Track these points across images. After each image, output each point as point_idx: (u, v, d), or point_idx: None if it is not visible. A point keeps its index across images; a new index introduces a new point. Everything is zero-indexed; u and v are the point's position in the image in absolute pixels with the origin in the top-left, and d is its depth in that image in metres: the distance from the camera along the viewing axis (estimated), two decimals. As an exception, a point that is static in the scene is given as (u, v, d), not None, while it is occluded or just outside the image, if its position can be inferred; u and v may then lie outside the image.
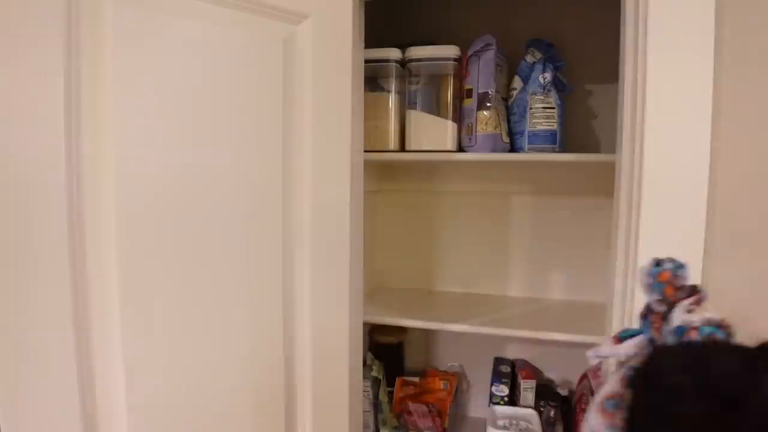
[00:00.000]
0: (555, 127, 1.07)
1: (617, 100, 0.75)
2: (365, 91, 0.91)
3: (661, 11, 0.66)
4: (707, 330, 0.37)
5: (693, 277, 0.68)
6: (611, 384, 0.39)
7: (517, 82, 1.10)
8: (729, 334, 0.37)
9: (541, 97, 1.07)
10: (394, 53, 1.09)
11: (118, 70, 0.58)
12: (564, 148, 1.09)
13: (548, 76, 1.06)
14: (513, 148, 1.11)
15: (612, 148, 0.78)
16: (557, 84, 1.08)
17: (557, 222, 1.27)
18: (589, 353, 0.48)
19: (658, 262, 0.43)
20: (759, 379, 0.32)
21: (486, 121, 1.06)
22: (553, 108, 1.07)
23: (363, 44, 0.89)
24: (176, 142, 0.64)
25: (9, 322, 0.52)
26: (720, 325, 0.37)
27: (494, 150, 1.06)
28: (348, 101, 0.82)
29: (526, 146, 1.08)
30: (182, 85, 0.64)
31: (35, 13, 0.51)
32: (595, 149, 1.20)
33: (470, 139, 1.07)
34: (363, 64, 0.89)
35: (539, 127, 1.07)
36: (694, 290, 0.42)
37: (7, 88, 0.50)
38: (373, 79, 1.09)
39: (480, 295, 1.31)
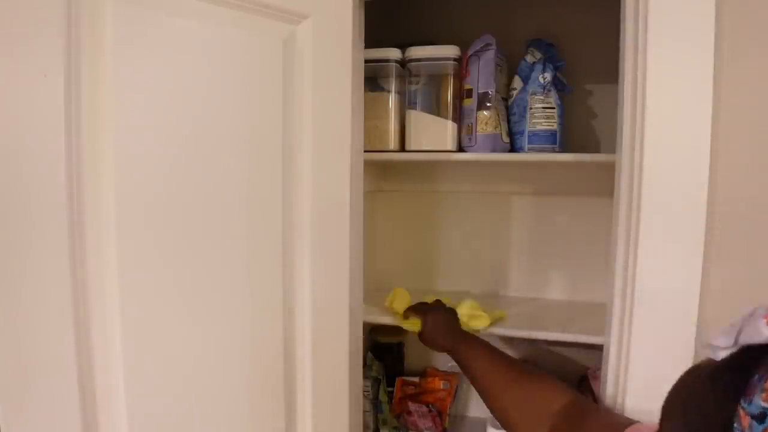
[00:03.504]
0: (555, 127, 1.07)
1: (617, 100, 0.75)
2: (365, 91, 0.91)
3: (661, 9, 0.66)
4: None
5: (693, 278, 0.68)
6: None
7: (517, 82, 1.10)
8: None
9: (541, 97, 1.07)
10: (394, 53, 1.09)
11: (118, 70, 0.58)
12: (564, 148, 1.09)
13: (548, 76, 1.06)
14: (513, 148, 1.11)
15: (612, 148, 0.78)
16: (557, 84, 1.08)
17: (557, 222, 1.27)
18: (715, 342, 0.31)
19: None
20: None
21: (486, 121, 1.06)
22: (553, 108, 1.07)
23: (363, 44, 0.89)
24: (176, 141, 0.64)
25: (9, 321, 0.52)
26: None
27: (494, 150, 1.06)
28: (348, 101, 0.82)
29: (526, 146, 1.08)
30: (182, 84, 0.64)
31: (35, 13, 0.51)
32: (595, 149, 1.20)
33: (470, 139, 1.07)
34: (363, 64, 0.89)
35: (539, 127, 1.07)
36: None
37: (7, 88, 0.50)
38: (373, 79, 1.09)
39: (480, 295, 1.31)
